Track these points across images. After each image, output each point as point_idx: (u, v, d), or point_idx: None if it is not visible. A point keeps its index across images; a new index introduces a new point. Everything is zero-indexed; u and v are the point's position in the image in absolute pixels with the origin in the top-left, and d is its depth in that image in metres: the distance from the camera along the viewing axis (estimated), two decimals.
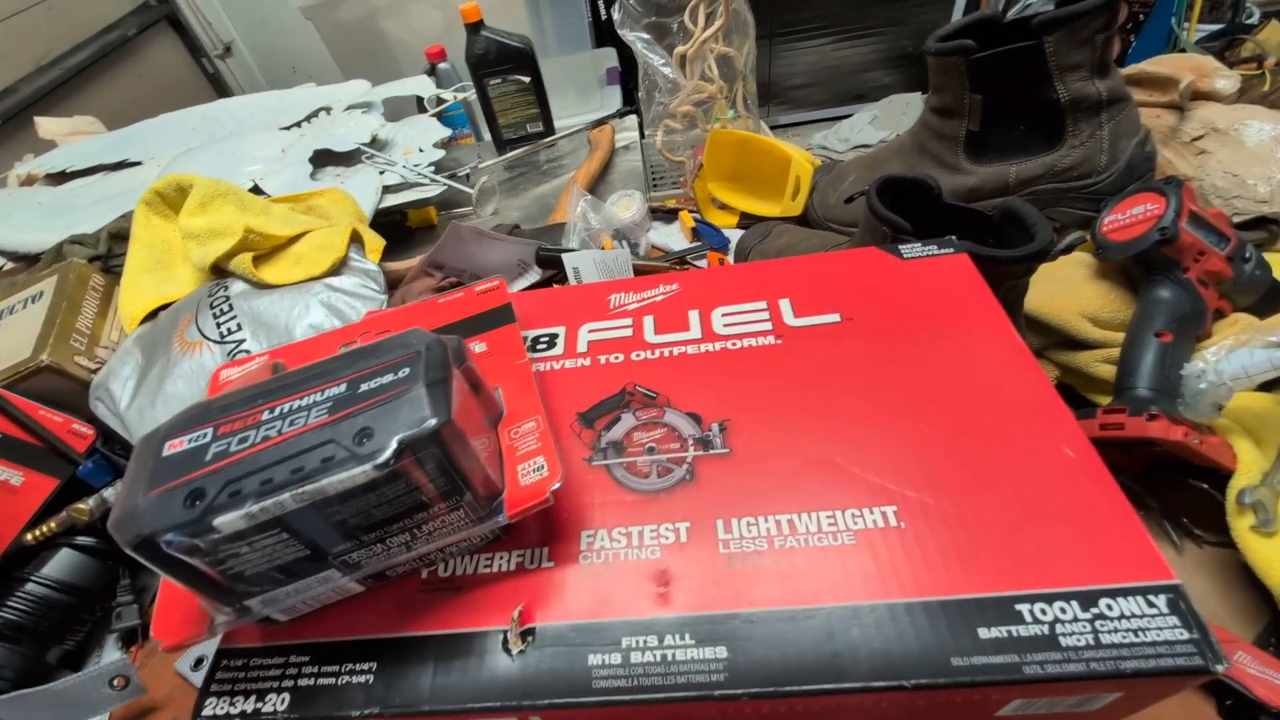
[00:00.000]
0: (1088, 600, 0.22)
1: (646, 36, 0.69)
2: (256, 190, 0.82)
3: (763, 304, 0.36)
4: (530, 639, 0.25)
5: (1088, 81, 0.48)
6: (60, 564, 0.47)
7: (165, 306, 0.61)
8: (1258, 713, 0.36)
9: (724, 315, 0.36)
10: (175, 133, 1.00)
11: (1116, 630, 0.22)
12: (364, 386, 0.23)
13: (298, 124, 0.95)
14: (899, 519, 0.25)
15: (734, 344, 0.34)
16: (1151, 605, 0.22)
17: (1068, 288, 0.49)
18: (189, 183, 0.62)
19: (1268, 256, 0.49)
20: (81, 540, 0.48)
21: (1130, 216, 0.47)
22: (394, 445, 0.21)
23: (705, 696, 0.22)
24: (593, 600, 0.25)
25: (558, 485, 0.25)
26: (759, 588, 0.25)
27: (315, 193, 0.76)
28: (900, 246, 0.38)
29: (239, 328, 0.53)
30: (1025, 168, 0.52)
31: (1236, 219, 0.51)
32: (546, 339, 0.37)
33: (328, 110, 0.97)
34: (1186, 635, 0.21)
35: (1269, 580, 0.37)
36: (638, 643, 0.24)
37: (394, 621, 0.26)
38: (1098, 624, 0.22)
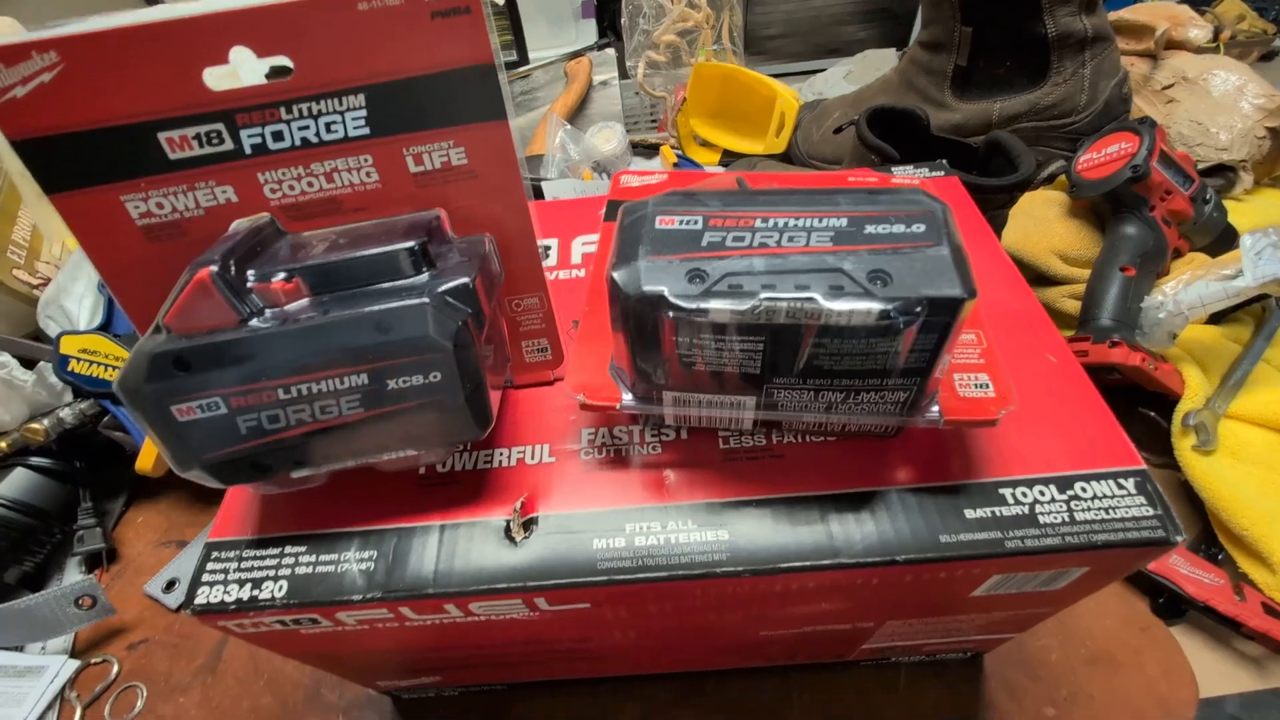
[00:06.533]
0: (1064, 484, 0.24)
1: None
2: None
3: None
4: (533, 527, 0.25)
5: (1076, 17, 0.48)
6: (15, 483, 0.44)
7: None
8: (1185, 608, 0.40)
9: None
10: None
11: (1089, 509, 0.23)
12: (870, 229, 0.21)
13: None
14: None
15: None
16: (1121, 487, 0.24)
17: (1041, 225, 0.51)
18: None
19: (1224, 201, 0.52)
20: (37, 460, 0.46)
21: (1105, 155, 0.48)
22: (920, 298, 0.19)
23: (708, 574, 0.23)
24: (595, 492, 0.26)
25: (1011, 409, 0.23)
26: (756, 481, 0.25)
27: None
28: (892, 168, 0.38)
29: None
30: (1009, 104, 0.53)
31: (1198, 166, 0.54)
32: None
33: None
34: (1151, 512, 0.23)
35: (1204, 493, 0.41)
36: (640, 528, 0.24)
37: (391, 514, 0.26)
38: (1073, 504, 0.23)
